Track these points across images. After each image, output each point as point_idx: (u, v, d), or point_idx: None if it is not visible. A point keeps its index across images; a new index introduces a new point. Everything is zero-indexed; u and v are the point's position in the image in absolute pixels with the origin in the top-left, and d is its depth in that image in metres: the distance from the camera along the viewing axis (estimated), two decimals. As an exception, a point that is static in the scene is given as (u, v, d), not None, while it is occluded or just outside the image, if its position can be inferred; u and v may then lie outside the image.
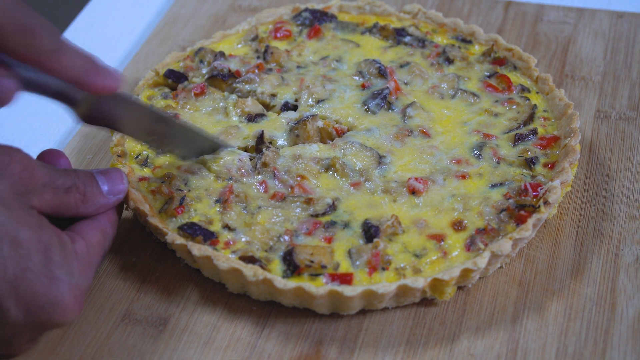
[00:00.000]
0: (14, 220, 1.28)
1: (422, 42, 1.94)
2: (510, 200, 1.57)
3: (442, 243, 1.51)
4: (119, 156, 1.66)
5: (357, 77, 1.86)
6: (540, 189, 1.56)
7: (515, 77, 1.85)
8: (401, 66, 1.88)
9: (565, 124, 1.70)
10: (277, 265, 1.48)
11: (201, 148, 1.65)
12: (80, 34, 2.23)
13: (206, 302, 1.51)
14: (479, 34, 1.95)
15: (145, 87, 1.83)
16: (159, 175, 1.64)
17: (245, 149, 1.70)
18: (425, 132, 1.72)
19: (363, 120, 1.75)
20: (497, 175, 1.63)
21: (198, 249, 1.47)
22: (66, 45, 1.33)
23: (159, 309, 1.50)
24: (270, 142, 1.71)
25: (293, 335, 1.45)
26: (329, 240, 1.52)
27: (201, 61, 1.90)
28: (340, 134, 1.74)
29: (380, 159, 1.66)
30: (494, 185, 1.61)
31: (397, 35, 1.96)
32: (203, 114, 1.78)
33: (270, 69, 1.88)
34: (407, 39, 1.96)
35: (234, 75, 1.86)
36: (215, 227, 1.54)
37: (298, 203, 1.58)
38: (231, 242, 1.52)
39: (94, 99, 1.44)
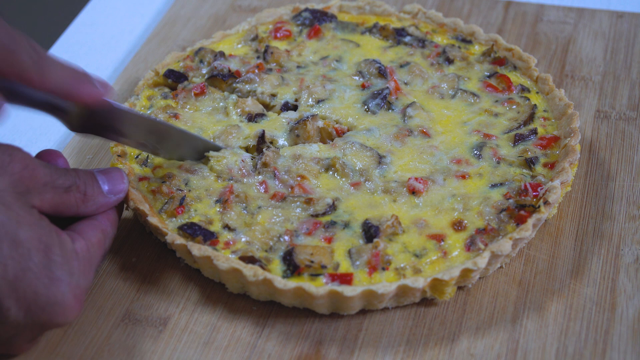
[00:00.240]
0: (14, 220, 1.28)
1: (422, 42, 1.94)
2: (510, 200, 1.57)
3: (442, 243, 1.51)
4: (119, 156, 1.66)
5: (357, 77, 1.86)
6: (540, 189, 1.56)
7: (515, 77, 1.85)
8: (401, 66, 1.88)
9: (565, 124, 1.70)
10: (277, 265, 1.48)
11: (197, 151, 1.65)
12: (80, 34, 2.23)
13: (206, 302, 1.51)
14: (479, 34, 1.95)
15: (145, 87, 1.83)
16: (159, 175, 1.64)
17: (246, 149, 1.71)
18: (425, 132, 1.72)
19: (363, 120, 1.75)
20: (497, 175, 1.63)
21: (198, 249, 1.47)
22: (48, 58, 1.34)
23: (159, 309, 1.50)
24: (271, 142, 1.71)
25: (293, 335, 1.45)
26: (329, 240, 1.52)
27: (201, 61, 1.90)
28: (340, 134, 1.74)
29: (380, 159, 1.66)
30: (494, 185, 1.61)
31: (397, 35, 1.96)
32: (203, 113, 1.78)
33: (270, 69, 1.88)
34: (407, 39, 1.96)
35: (234, 75, 1.86)
36: (215, 227, 1.54)
37: (298, 203, 1.58)
38: (231, 242, 1.52)
39: (84, 109, 1.44)
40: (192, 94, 1.82)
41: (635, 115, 1.86)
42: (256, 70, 1.86)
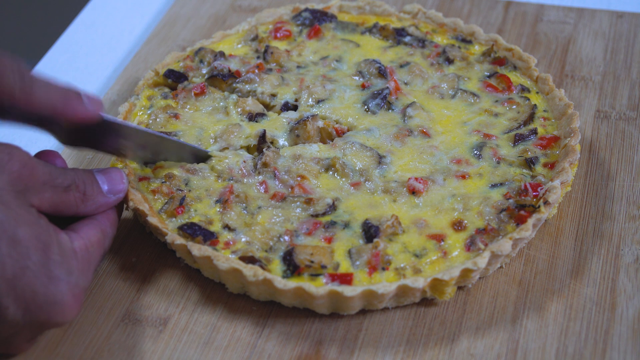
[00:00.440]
0: (13, 219, 1.27)
1: (422, 42, 1.94)
2: (510, 200, 1.57)
3: (442, 243, 1.51)
4: (119, 156, 1.66)
5: (357, 77, 1.86)
6: (540, 189, 1.56)
7: (515, 77, 1.85)
8: (401, 66, 1.88)
9: (565, 124, 1.70)
10: (277, 266, 1.48)
11: (195, 157, 1.66)
12: (80, 34, 2.23)
13: (206, 302, 1.51)
14: (479, 34, 1.95)
15: (145, 87, 1.83)
16: (159, 175, 1.64)
17: (247, 149, 1.71)
18: (425, 132, 1.72)
19: (363, 120, 1.75)
20: (497, 175, 1.63)
21: (198, 249, 1.47)
22: (36, 79, 1.33)
23: (159, 309, 1.50)
24: (271, 142, 1.71)
25: (293, 335, 1.45)
26: (329, 240, 1.52)
27: (201, 61, 1.90)
28: (340, 134, 1.74)
29: (380, 159, 1.66)
30: (494, 185, 1.61)
31: (397, 35, 1.96)
32: (203, 113, 1.78)
33: (270, 69, 1.88)
34: (407, 39, 1.96)
35: (234, 75, 1.86)
36: (215, 227, 1.54)
37: (298, 203, 1.58)
38: (231, 242, 1.52)
39: (73, 125, 1.43)
40: (192, 94, 1.82)
41: (635, 115, 1.86)
42: (256, 70, 1.86)
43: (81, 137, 1.49)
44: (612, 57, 2.02)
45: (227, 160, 1.65)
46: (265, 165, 1.64)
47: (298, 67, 1.89)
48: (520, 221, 1.52)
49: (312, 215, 1.56)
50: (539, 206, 1.53)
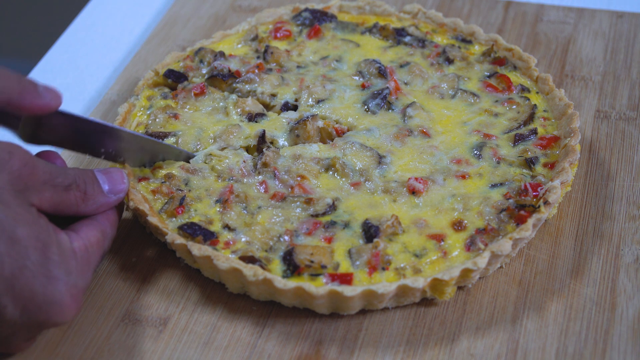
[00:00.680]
0: (12, 218, 1.27)
1: (422, 42, 1.94)
2: (510, 200, 1.57)
3: (442, 243, 1.51)
4: (119, 156, 1.66)
5: (357, 77, 1.86)
6: (540, 189, 1.56)
7: (515, 77, 1.85)
8: (401, 66, 1.88)
9: (565, 124, 1.70)
10: (277, 265, 1.48)
11: (158, 155, 1.63)
12: (80, 34, 2.23)
13: (206, 302, 1.51)
14: (479, 34, 1.95)
15: (145, 87, 1.83)
16: (158, 175, 1.64)
17: (247, 149, 1.71)
18: (425, 132, 1.72)
19: (363, 120, 1.75)
20: (497, 175, 1.63)
21: (198, 249, 1.47)
22: None
23: (159, 309, 1.50)
24: (271, 142, 1.71)
25: (293, 335, 1.45)
26: (329, 240, 1.52)
27: (201, 61, 1.90)
28: (340, 134, 1.74)
29: (380, 159, 1.66)
30: (494, 185, 1.61)
31: (397, 35, 1.96)
32: (203, 113, 1.78)
33: (270, 69, 1.88)
34: (407, 39, 1.96)
35: (234, 75, 1.86)
36: (215, 227, 1.54)
37: (298, 203, 1.58)
38: (231, 242, 1.52)
39: (36, 119, 1.39)
40: (192, 94, 1.82)
41: (635, 115, 1.86)
42: (256, 70, 1.86)
43: (44, 135, 1.43)
44: (612, 57, 2.02)
45: (227, 160, 1.65)
46: (265, 165, 1.64)
47: (298, 67, 1.89)
48: (520, 221, 1.52)
49: (312, 215, 1.56)
50: (539, 206, 1.53)
